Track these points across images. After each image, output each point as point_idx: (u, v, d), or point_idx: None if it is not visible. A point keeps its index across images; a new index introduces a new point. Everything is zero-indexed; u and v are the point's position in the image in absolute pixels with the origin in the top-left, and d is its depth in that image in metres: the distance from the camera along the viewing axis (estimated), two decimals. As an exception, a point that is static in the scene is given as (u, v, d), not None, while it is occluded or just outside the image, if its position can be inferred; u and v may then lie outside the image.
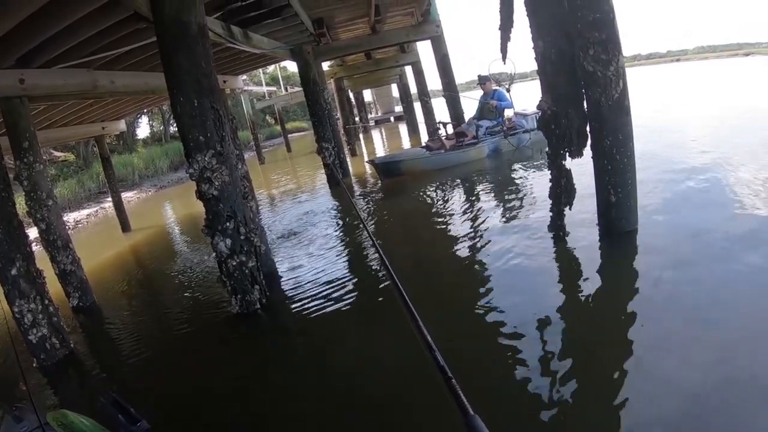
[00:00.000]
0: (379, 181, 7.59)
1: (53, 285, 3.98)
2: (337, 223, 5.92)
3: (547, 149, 3.55)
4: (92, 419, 1.54)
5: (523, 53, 4.13)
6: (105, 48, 4.12)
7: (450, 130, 8.26)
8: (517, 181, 5.97)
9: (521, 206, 4.76)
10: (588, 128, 3.34)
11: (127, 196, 13.07)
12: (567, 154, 3.44)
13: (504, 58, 3.93)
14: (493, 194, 5.52)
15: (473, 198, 5.61)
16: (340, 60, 13.18)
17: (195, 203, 3.82)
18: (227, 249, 3.38)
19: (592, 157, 3.38)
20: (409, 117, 16.99)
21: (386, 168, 7.40)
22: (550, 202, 3.62)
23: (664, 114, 9.42)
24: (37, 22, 3.18)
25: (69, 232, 4.91)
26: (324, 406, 2.35)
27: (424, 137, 11.26)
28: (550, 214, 3.65)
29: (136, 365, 3.29)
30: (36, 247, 4.38)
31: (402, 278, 0.97)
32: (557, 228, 3.60)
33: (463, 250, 4.00)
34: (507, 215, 4.58)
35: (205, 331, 3.58)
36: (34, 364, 3.42)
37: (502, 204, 5.00)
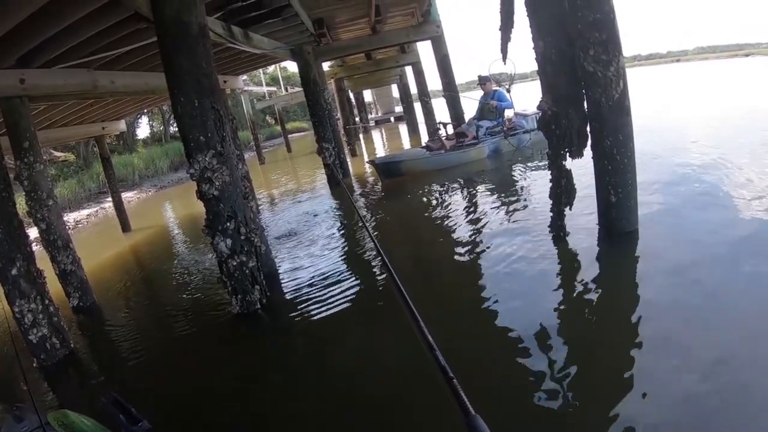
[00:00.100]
0: (380, 182, 7.59)
1: (53, 285, 3.98)
2: (337, 223, 5.92)
3: (547, 150, 3.56)
4: (93, 419, 1.54)
5: (524, 53, 4.14)
6: (105, 48, 4.12)
7: (450, 130, 8.26)
8: (517, 182, 5.97)
9: (521, 206, 4.76)
10: (588, 128, 3.34)
11: (127, 196, 13.07)
12: (567, 154, 3.44)
13: (504, 58, 3.93)
14: (493, 195, 5.52)
15: (473, 198, 5.61)
16: (341, 60, 13.19)
17: (195, 203, 3.82)
18: (228, 249, 3.38)
19: (592, 158, 3.38)
20: (409, 117, 16.98)
21: (386, 168, 7.40)
22: (551, 202, 3.62)
23: (665, 114, 9.42)
24: (37, 22, 3.18)
25: (69, 232, 4.91)
26: (324, 406, 2.35)
27: (425, 137, 11.26)
28: (551, 214, 3.65)
29: (137, 365, 3.30)
30: (36, 247, 4.38)
31: (402, 278, 0.97)
32: (557, 228, 3.60)
33: (463, 250, 4.00)
34: (507, 215, 4.58)
35: (205, 331, 3.58)
36: (35, 364, 3.42)
37: (502, 204, 5.00)
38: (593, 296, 2.79)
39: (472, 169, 6.93)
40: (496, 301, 2.99)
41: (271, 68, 24.61)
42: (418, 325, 0.81)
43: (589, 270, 3.08)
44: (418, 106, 15.63)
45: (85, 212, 12.42)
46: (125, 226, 8.69)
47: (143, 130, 24.67)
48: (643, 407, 1.84)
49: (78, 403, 2.93)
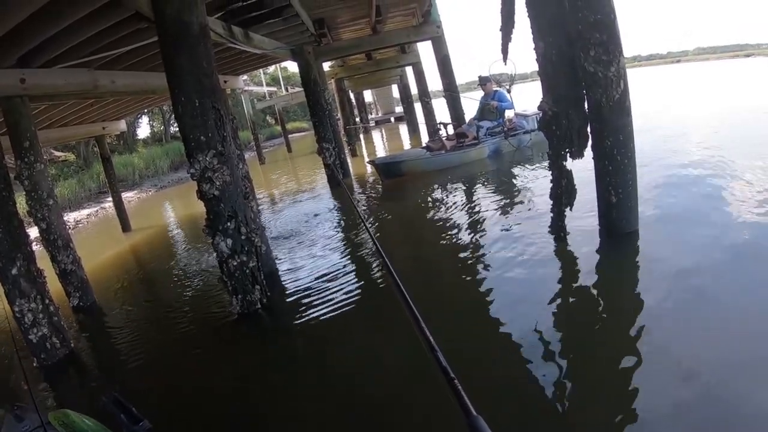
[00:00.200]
0: (380, 182, 7.59)
1: (54, 284, 3.98)
2: (337, 223, 5.92)
3: (547, 150, 3.56)
4: (93, 418, 1.54)
5: (524, 54, 4.14)
6: (106, 48, 4.12)
7: (450, 130, 8.26)
8: (517, 182, 5.98)
9: (522, 207, 4.76)
10: (589, 129, 3.34)
11: (127, 196, 13.07)
12: (568, 154, 3.44)
13: (505, 59, 3.93)
14: (493, 195, 5.52)
15: (474, 198, 5.61)
16: (341, 60, 13.20)
17: (195, 203, 3.82)
18: (228, 249, 3.38)
19: (592, 158, 3.38)
20: (409, 117, 16.99)
21: (387, 168, 7.40)
22: (551, 202, 3.62)
23: (665, 115, 9.41)
24: (38, 22, 3.18)
25: (69, 231, 4.91)
26: (324, 406, 2.35)
27: (425, 138, 11.26)
28: (551, 214, 3.65)
29: (137, 365, 3.30)
30: (36, 247, 4.37)
31: (403, 278, 0.97)
32: (558, 229, 3.60)
33: (463, 250, 4.00)
34: (507, 216, 4.58)
35: (205, 330, 3.58)
36: (35, 364, 3.42)
37: (502, 205, 5.00)
38: (593, 297, 2.79)
39: (473, 170, 6.93)
40: (497, 302, 2.99)
41: (271, 68, 24.62)
42: (418, 325, 0.80)
43: (589, 270, 3.08)
44: (418, 107, 15.63)
45: (85, 212, 12.42)
46: (125, 226, 8.69)
47: (144, 129, 24.72)
48: (643, 408, 1.84)
49: (78, 403, 2.93)
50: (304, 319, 3.33)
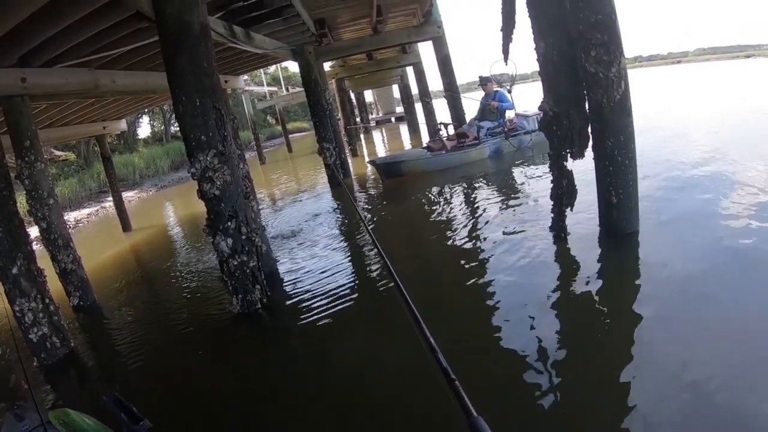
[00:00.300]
0: (380, 182, 7.59)
1: (54, 284, 3.98)
2: (338, 223, 5.92)
3: (548, 150, 3.56)
4: (94, 418, 1.54)
5: (525, 54, 4.14)
6: (107, 47, 4.12)
7: (451, 130, 8.27)
8: (518, 183, 5.98)
9: (522, 207, 4.76)
10: (589, 129, 3.34)
11: (127, 195, 13.07)
12: (568, 155, 3.44)
13: (506, 59, 3.93)
14: (494, 195, 5.52)
15: (474, 199, 5.61)
16: (342, 60, 13.20)
17: (196, 203, 3.82)
18: (228, 248, 3.38)
19: (593, 159, 3.38)
20: (410, 118, 16.98)
21: (387, 169, 7.40)
22: (552, 203, 3.62)
23: (666, 115, 9.41)
24: (38, 21, 3.18)
25: (70, 231, 4.92)
26: (324, 406, 2.34)
27: (425, 138, 11.26)
28: (552, 214, 3.65)
29: (137, 364, 3.29)
30: (37, 246, 4.37)
31: (403, 278, 0.97)
32: (558, 229, 3.60)
33: (464, 250, 4.00)
34: (508, 216, 4.58)
35: (205, 330, 3.58)
36: (35, 363, 3.42)
37: (503, 205, 5.00)
38: (594, 297, 2.79)
39: (473, 170, 6.93)
40: (497, 302, 2.99)
41: (272, 68, 24.66)
42: (419, 326, 0.80)
43: (589, 271, 3.08)
44: (419, 107, 15.63)
45: (85, 211, 12.42)
46: (126, 226, 8.70)
47: (144, 129, 24.73)
48: (643, 408, 1.83)
49: (78, 402, 2.93)
50: (304, 319, 3.33)
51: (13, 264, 3.31)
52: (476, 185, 6.23)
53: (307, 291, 3.76)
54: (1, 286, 3.34)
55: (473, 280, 3.41)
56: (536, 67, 3.42)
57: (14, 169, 4.13)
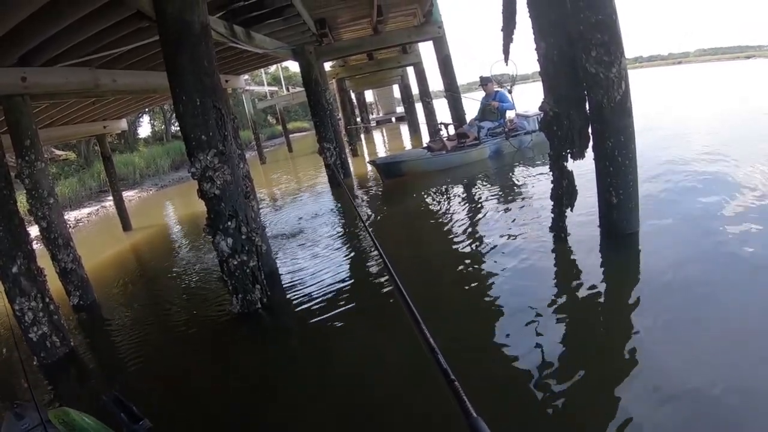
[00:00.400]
0: (381, 182, 7.59)
1: (54, 283, 3.98)
2: (338, 223, 5.92)
3: (548, 151, 3.55)
4: (94, 417, 1.54)
5: (525, 54, 4.14)
6: (107, 46, 4.12)
7: (451, 131, 8.27)
8: (518, 183, 5.98)
9: (522, 207, 4.76)
10: (590, 130, 3.34)
11: (128, 195, 13.07)
12: (569, 155, 3.43)
13: (506, 59, 3.93)
14: (494, 195, 5.52)
15: (474, 199, 5.61)
16: (342, 60, 13.21)
17: (196, 202, 3.82)
18: (228, 248, 3.38)
19: (593, 159, 3.38)
20: (410, 118, 16.99)
21: (388, 169, 7.40)
22: (552, 203, 3.62)
23: (667, 116, 9.41)
24: (39, 21, 3.18)
25: (70, 230, 4.92)
26: (324, 406, 2.34)
27: (426, 138, 11.26)
28: (552, 215, 3.65)
29: (137, 364, 3.30)
30: (37, 245, 4.37)
31: (403, 278, 0.97)
32: (558, 229, 3.60)
33: (464, 250, 4.00)
34: (508, 216, 4.58)
35: (205, 330, 3.58)
36: (35, 362, 3.42)
37: (503, 205, 5.00)
38: (594, 298, 2.78)
39: (474, 170, 6.93)
40: (496, 302, 2.99)
41: (272, 68, 24.66)
42: (418, 327, 0.80)
43: (589, 271, 3.08)
44: (419, 107, 15.63)
45: (85, 211, 12.42)
46: (126, 225, 8.70)
47: (144, 129, 24.76)
48: (643, 409, 1.84)
49: (78, 401, 2.93)
50: (304, 319, 3.33)
51: (13, 263, 3.31)
52: (476, 185, 6.23)
53: (307, 291, 3.76)
54: (1, 285, 3.34)
55: (473, 281, 3.40)
56: (537, 68, 3.41)
57: (14, 168, 4.13)
